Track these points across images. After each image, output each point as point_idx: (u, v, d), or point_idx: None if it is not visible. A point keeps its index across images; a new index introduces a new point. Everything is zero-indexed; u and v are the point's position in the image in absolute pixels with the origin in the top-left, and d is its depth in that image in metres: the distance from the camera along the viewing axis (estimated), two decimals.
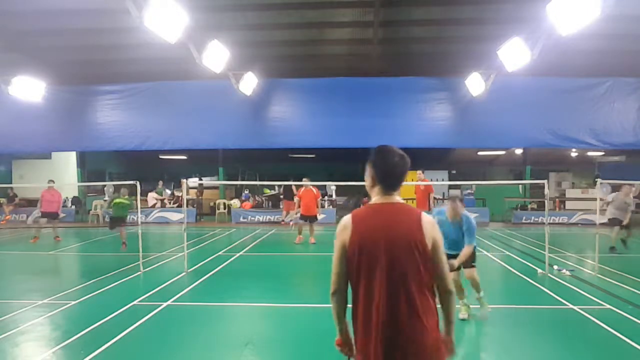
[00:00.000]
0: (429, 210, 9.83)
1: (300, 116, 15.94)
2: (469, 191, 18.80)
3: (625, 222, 9.95)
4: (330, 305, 2.22)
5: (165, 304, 6.06)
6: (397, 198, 2.20)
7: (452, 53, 14.58)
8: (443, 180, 19.95)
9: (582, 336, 5.04)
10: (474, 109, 15.19)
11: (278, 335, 5.08)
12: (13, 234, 14.42)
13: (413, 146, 15.30)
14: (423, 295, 2.03)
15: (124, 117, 16.18)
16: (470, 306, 5.50)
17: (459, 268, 5.21)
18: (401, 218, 2.11)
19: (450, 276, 2.18)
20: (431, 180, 17.15)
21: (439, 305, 2.14)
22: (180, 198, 16.96)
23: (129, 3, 8.45)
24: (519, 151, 20.79)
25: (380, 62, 15.27)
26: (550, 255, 8.54)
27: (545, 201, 8.37)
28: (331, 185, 18.72)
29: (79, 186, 19.07)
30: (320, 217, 13.07)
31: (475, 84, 14.19)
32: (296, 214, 12.16)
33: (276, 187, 20.98)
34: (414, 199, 12.14)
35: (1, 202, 18.06)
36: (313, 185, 11.70)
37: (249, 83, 14.52)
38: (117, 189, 10.83)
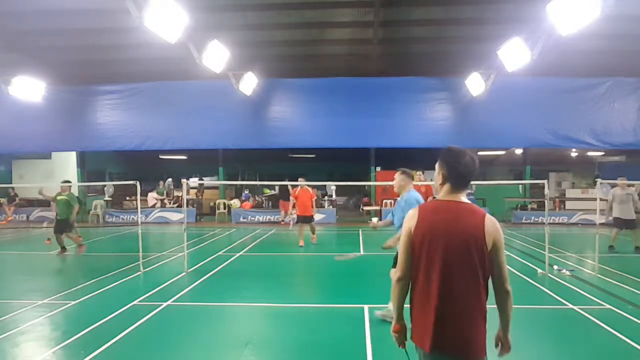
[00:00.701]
0: None
1: (300, 116, 15.94)
2: (469, 191, 18.73)
3: (634, 217, 9.89)
4: (393, 292, 2.38)
5: (165, 304, 6.06)
6: (463, 197, 2.31)
7: (452, 53, 14.58)
8: None
9: (582, 336, 5.04)
10: (474, 109, 15.19)
11: (278, 335, 5.08)
12: (14, 234, 14.42)
13: (413, 146, 15.38)
14: (474, 289, 2.17)
15: (124, 117, 16.19)
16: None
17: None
18: (464, 216, 2.23)
19: (508, 276, 2.25)
20: (431, 180, 17.12)
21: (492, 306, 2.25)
22: (180, 198, 16.97)
23: (129, 3, 8.45)
24: (519, 151, 20.78)
25: (380, 62, 15.27)
26: (550, 255, 8.54)
27: (545, 201, 8.37)
28: (331, 185, 18.71)
29: (79, 186, 19.05)
30: (319, 217, 13.04)
31: (475, 84, 14.19)
32: (291, 214, 12.03)
33: (276, 187, 20.95)
34: None
35: (1, 202, 18.06)
36: (309, 185, 11.55)
37: (249, 83, 14.52)
38: (63, 189, 10.24)
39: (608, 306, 5.94)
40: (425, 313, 2.22)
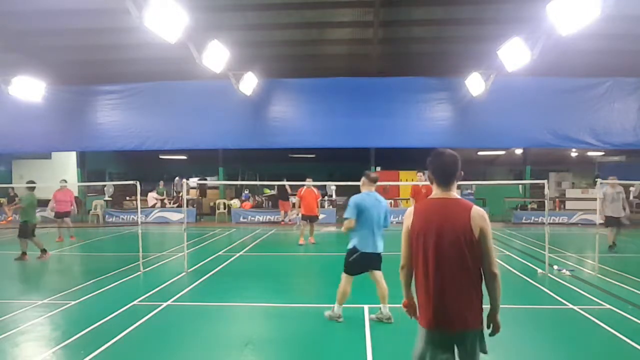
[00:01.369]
0: None
1: (300, 116, 15.94)
2: (469, 191, 18.79)
3: (623, 215, 10.01)
4: (402, 277, 2.74)
5: (165, 304, 6.06)
6: (453, 193, 2.60)
7: (452, 53, 14.58)
8: None
9: (582, 336, 5.04)
10: (474, 109, 15.19)
11: (278, 335, 5.08)
12: (14, 234, 14.39)
13: (413, 146, 15.36)
14: (466, 273, 2.47)
15: (124, 117, 16.19)
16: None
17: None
18: (453, 209, 2.52)
19: (495, 260, 2.55)
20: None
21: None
22: (180, 198, 16.97)
23: (129, 3, 8.44)
24: (519, 151, 20.78)
25: (380, 62, 15.27)
26: (550, 255, 8.53)
27: (545, 201, 8.37)
28: (331, 185, 18.70)
29: (79, 186, 19.06)
30: (320, 217, 13.08)
31: (475, 84, 14.19)
32: (297, 214, 12.14)
33: (276, 187, 20.97)
34: (408, 199, 12.14)
35: (1, 202, 18.05)
36: (314, 186, 11.68)
37: (249, 83, 14.52)
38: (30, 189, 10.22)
39: (608, 306, 5.94)
40: (426, 296, 2.53)
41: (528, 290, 6.94)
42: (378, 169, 17.88)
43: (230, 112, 15.79)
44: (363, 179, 5.41)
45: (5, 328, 5.12)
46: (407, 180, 16.49)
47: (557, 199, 17.91)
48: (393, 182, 16.19)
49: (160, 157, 25.01)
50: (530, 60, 11.00)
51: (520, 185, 18.92)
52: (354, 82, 15.58)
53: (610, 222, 10.12)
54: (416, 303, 2.69)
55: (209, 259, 9.45)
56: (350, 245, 5.22)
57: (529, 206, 17.62)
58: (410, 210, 2.67)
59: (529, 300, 6.45)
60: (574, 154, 24.56)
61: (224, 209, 18.14)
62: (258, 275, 8.26)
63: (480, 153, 24.29)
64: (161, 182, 19.52)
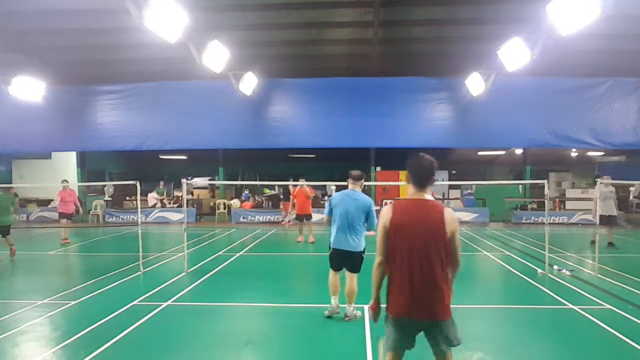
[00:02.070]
0: None
1: (300, 116, 15.94)
2: (469, 191, 18.80)
3: (614, 213, 10.14)
4: (374, 274, 2.92)
5: (165, 304, 6.06)
6: (427, 195, 2.82)
7: (452, 53, 14.58)
8: (443, 180, 19.93)
9: (582, 336, 5.04)
10: (474, 109, 15.19)
11: (278, 335, 5.08)
12: (14, 234, 14.38)
13: (413, 146, 15.35)
14: (441, 268, 2.72)
15: (124, 117, 16.19)
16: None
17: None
18: (428, 210, 2.76)
19: (459, 253, 2.80)
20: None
21: None
22: (180, 198, 16.96)
23: (129, 3, 8.44)
24: (519, 151, 20.78)
25: (380, 62, 15.27)
26: (550, 255, 8.53)
27: (545, 201, 8.37)
28: (331, 185, 18.70)
29: (79, 186, 19.05)
30: (319, 217, 13.11)
31: (475, 84, 14.19)
32: (292, 213, 12.25)
33: (276, 187, 20.95)
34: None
35: None
36: (308, 185, 11.74)
37: (249, 83, 14.52)
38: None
39: (608, 306, 5.94)
40: (401, 288, 2.75)
41: (528, 290, 6.94)
42: (378, 169, 17.91)
43: (230, 112, 15.79)
44: (349, 179, 5.46)
45: (5, 328, 5.12)
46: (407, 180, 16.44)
47: (557, 199, 17.92)
48: (393, 182, 16.20)
49: (160, 157, 25.01)
50: (530, 60, 11.00)
51: (520, 185, 18.92)
52: (354, 82, 15.58)
53: (604, 220, 10.17)
54: (379, 300, 2.94)
55: (209, 259, 9.45)
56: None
57: (529, 206, 17.62)
58: (388, 207, 2.86)
59: (529, 300, 6.45)
60: (574, 154, 24.55)
61: (224, 209, 18.14)
62: (258, 275, 8.26)
63: (480, 153, 24.29)
64: (161, 182, 19.52)
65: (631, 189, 19.50)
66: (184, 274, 7.93)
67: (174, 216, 17.23)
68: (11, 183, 19.04)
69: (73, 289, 6.88)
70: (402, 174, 18.10)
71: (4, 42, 13.16)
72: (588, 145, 15.56)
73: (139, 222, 8.89)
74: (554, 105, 15.04)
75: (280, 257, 10.21)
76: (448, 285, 2.76)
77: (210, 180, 22.93)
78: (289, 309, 6.03)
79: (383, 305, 2.92)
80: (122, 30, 11.91)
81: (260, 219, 16.99)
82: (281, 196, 17.26)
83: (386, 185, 15.84)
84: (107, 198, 18.91)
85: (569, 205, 17.36)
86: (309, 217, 11.82)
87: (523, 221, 16.47)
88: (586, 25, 8.33)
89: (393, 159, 18.53)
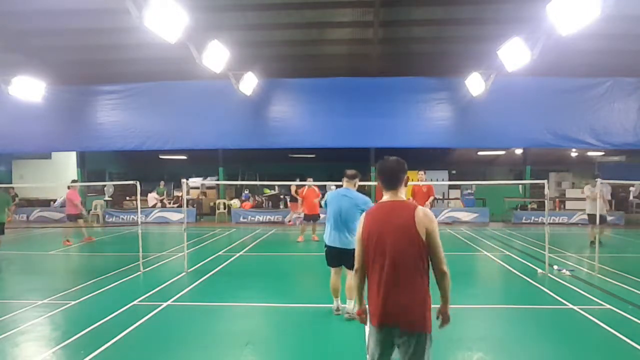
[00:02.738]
0: None
1: (300, 116, 15.94)
2: (469, 191, 18.79)
3: (602, 212, 10.24)
4: (353, 281, 2.87)
5: (165, 304, 6.06)
6: (400, 196, 2.73)
7: (452, 53, 14.59)
8: (443, 180, 19.94)
9: (582, 336, 5.03)
10: (474, 109, 15.19)
11: (278, 335, 5.08)
12: (14, 234, 14.40)
13: (413, 146, 15.38)
14: (413, 273, 2.54)
15: (124, 117, 16.19)
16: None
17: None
18: (398, 211, 2.64)
19: (444, 258, 2.59)
20: (431, 180, 17.14)
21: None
22: (180, 198, 16.96)
23: (129, 3, 8.44)
24: (519, 151, 20.78)
25: (380, 62, 15.27)
26: (550, 255, 8.54)
27: (545, 201, 8.37)
28: (331, 186, 18.69)
29: (79, 186, 19.04)
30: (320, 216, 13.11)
31: (475, 84, 14.19)
32: (299, 214, 12.19)
33: (276, 187, 20.94)
34: (408, 199, 12.14)
35: None
36: (315, 185, 11.71)
37: (249, 83, 14.52)
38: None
39: (608, 306, 5.94)
40: (376, 295, 2.62)
41: (528, 290, 6.94)
42: None
43: (230, 112, 15.79)
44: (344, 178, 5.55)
45: (5, 328, 5.12)
46: (410, 181, 16.47)
47: (557, 199, 17.92)
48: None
49: (160, 157, 25.00)
50: (530, 60, 11.00)
51: (520, 185, 18.92)
52: (354, 82, 15.58)
53: (593, 219, 10.22)
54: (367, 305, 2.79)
55: (209, 259, 9.45)
56: None
57: (529, 206, 17.62)
58: (363, 214, 2.83)
59: (529, 300, 6.45)
60: (574, 154, 24.54)
61: (224, 209, 18.14)
62: (258, 275, 8.26)
63: (480, 153, 24.29)
64: (162, 182, 19.51)
65: (631, 189, 19.52)
66: (184, 274, 7.93)
67: (174, 216, 17.23)
68: (11, 183, 19.10)
69: (73, 289, 6.88)
70: None
71: (4, 42, 13.16)
72: (588, 145, 15.56)
73: (139, 222, 8.89)
74: (554, 105, 15.04)
75: (280, 257, 10.21)
76: (424, 292, 2.56)
77: (203, 179, 22.96)
78: (289, 309, 6.03)
79: None
80: (122, 30, 11.92)
81: (260, 219, 16.99)
82: (287, 197, 17.23)
83: None
84: (107, 198, 18.90)
85: (569, 205, 17.35)
86: (317, 217, 11.84)
87: (523, 221, 16.47)
88: (586, 25, 8.32)
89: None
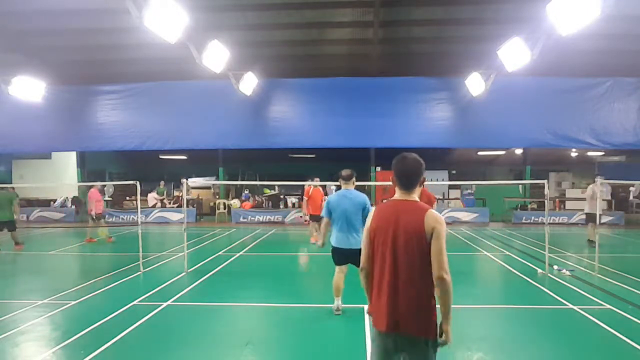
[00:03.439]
0: None
1: (300, 116, 15.94)
2: (469, 191, 18.79)
3: (599, 212, 10.26)
4: (361, 280, 2.72)
5: (165, 304, 6.06)
6: (413, 196, 2.59)
7: (452, 53, 14.59)
8: (443, 180, 19.93)
9: (582, 336, 5.04)
10: (474, 109, 15.20)
11: (278, 335, 5.08)
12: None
13: (413, 146, 15.32)
14: (418, 276, 2.42)
15: (124, 117, 16.19)
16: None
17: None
18: (409, 212, 2.50)
19: (445, 264, 2.38)
20: (431, 180, 17.14)
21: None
22: (180, 198, 16.96)
23: (129, 3, 8.44)
24: (519, 151, 20.78)
25: (380, 62, 15.27)
26: (550, 255, 8.54)
27: (545, 201, 8.37)
28: (331, 186, 18.71)
29: (79, 186, 19.06)
30: None
31: (475, 84, 14.19)
32: (306, 214, 12.14)
33: (276, 187, 20.94)
34: None
35: None
36: (320, 185, 11.69)
37: (249, 83, 14.52)
38: None
39: (608, 306, 5.94)
40: (380, 297, 2.51)
41: (528, 290, 6.94)
42: (378, 169, 17.90)
43: (230, 112, 15.79)
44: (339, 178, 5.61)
45: (5, 328, 5.12)
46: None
47: (557, 199, 17.92)
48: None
49: (160, 157, 25.00)
50: (530, 60, 11.00)
51: (520, 185, 18.92)
52: (354, 82, 15.58)
53: (591, 218, 10.26)
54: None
55: (209, 259, 9.45)
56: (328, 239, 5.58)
57: (529, 206, 17.62)
58: (372, 211, 2.72)
59: (529, 300, 6.45)
60: (574, 154, 24.54)
61: (224, 209, 18.14)
62: (258, 275, 8.26)
63: (480, 153, 24.29)
64: (162, 182, 19.51)
65: (631, 189, 19.51)
66: (184, 274, 7.93)
67: (174, 216, 17.24)
68: (11, 183, 19.07)
69: (73, 289, 6.88)
70: None
71: (4, 42, 13.16)
72: (588, 145, 15.57)
73: (139, 222, 8.89)
74: (554, 105, 15.05)
75: (281, 257, 10.21)
76: (429, 296, 2.42)
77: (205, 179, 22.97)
78: (289, 309, 6.03)
79: None
80: (122, 30, 11.91)
81: (260, 219, 16.99)
82: (299, 198, 17.23)
83: (386, 185, 15.80)
84: (107, 198, 18.88)
85: (569, 205, 17.36)
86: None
87: (523, 221, 16.47)
88: (586, 25, 8.33)
89: (393, 159, 18.53)
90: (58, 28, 12.32)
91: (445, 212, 16.49)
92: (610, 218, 15.78)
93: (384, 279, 2.49)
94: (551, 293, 6.63)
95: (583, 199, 17.08)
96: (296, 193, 19.07)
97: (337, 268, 5.54)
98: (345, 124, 15.46)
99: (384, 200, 2.92)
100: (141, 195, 10.10)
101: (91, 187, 12.24)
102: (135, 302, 6.12)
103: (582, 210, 16.11)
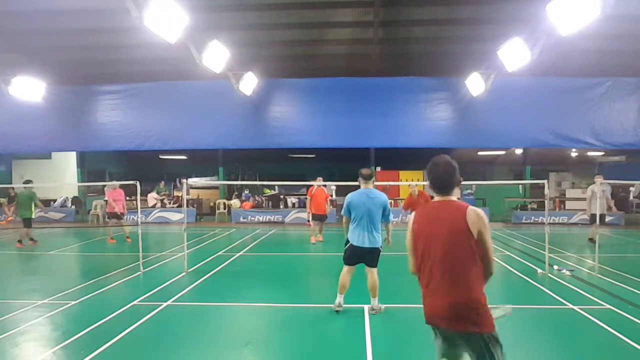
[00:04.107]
0: None
1: (300, 116, 15.94)
2: (469, 191, 18.79)
3: (601, 212, 10.31)
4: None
5: (165, 304, 6.06)
6: (451, 197, 2.70)
7: (452, 53, 14.57)
8: None
9: (582, 336, 5.04)
10: (474, 109, 15.19)
11: (278, 335, 5.08)
12: (14, 234, 14.40)
13: (413, 146, 15.39)
14: (467, 271, 2.52)
15: (124, 117, 16.19)
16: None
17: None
18: (450, 212, 2.61)
19: (493, 259, 2.60)
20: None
21: None
22: (180, 198, 16.95)
23: (129, 3, 8.45)
24: (519, 151, 20.77)
25: (380, 62, 15.27)
26: (550, 255, 8.53)
27: (545, 201, 8.37)
28: (331, 185, 18.70)
29: (79, 186, 19.07)
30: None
31: (475, 84, 14.19)
32: (308, 214, 12.15)
33: (276, 187, 20.93)
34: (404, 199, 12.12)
35: (1, 202, 18.05)
36: (323, 185, 11.72)
37: (249, 83, 14.52)
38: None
39: (608, 306, 5.94)
40: (426, 295, 2.66)
41: (528, 290, 6.94)
42: (378, 169, 17.91)
43: (230, 112, 15.79)
44: (359, 177, 5.62)
45: (5, 328, 5.12)
46: (407, 180, 16.51)
47: (557, 199, 17.91)
48: (393, 182, 16.18)
49: (160, 157, 25.01)
50: (530, 60, 11.00)
51: (520, 185, 18.91)
52: (354, 82, 15.57)
53: (593, 218, 10.30)
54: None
55: (209, 259, 9.45)
56: (346, 238, 5.57)
57: (529, 206, 17.61)
58: (412, 214, 2.83)
59: (529, 300, 6.45)
60: (574, 154, 24.54)
61: (224, 209, 18.13)
62: (258, 275, 8.26)
63: (480, 153, 24.28)
64: (162, 182, 19.50)
65: (631, 189, 19.51)
66: (184, 274, 7.94)
67: (174, 216, 17.22)
68: (11, 183, 19.11)
69: (73, 289, 6.88)
70: (403, 174, 18.14)
71: (4, 42, 13.15)
72: (588, 145, 15.57)
73: (139, 222, 8.90)
74: (554, 105, 15.04)
75: (281, 257, 10.21)
76: (477, 291, 2.53)
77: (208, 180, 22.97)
78: (289, 308, 6.03)
79: None
80: (122, 30, 11.90)
81: (260, 219, 16.99)
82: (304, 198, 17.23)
83: (386, 185, 15.82)
84: (107, 198, 18.87)
85: (569, 205, 17.35)
86: (324, 217, 11.77)
87: (523, 221, 16.47)
88: (586, 25, 8.34)
89: (393, 159, 18.56)
90: (58, 28, 12.31)
91: None
92: (610, 218, 15.77)
93: (431, 279, 2.60)
94: (551, 293, 6.63)
95: (583, 199, 17.20)
96: (296, 193, 19.07)
97: (346, 267, 5.54)
98: (345, 124, 15.46)
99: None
100: (141, 195, 10.10)
101: (112, 187, 12.21)
102: (135, 302, 6.12)
103: (583, 210, 16.22)
